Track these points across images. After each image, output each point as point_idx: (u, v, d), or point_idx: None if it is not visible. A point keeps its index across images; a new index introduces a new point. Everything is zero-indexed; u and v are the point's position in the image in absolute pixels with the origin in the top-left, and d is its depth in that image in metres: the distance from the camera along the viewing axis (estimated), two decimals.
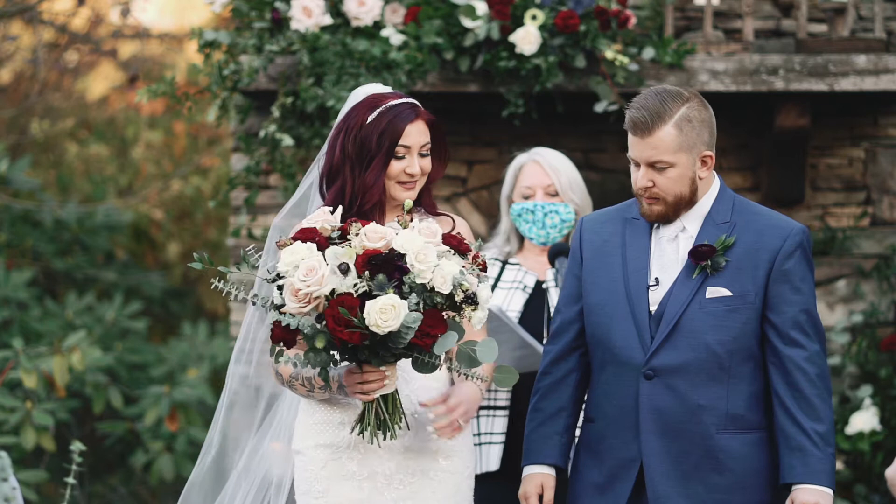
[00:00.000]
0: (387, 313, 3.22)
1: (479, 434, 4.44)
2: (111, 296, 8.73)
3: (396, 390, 3.45)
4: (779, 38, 6.48)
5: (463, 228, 3.76)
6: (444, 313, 3.30)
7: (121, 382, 7.83)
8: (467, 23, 5.82)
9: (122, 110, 10.68)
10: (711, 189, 3.66)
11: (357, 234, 3.32)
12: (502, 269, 4.58)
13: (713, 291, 3.55)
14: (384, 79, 5.74)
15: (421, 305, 3.27)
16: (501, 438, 4.42)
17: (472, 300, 3.29)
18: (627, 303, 3.61)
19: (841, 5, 6.10)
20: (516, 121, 5.95)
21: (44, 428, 6.36)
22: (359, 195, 3.62)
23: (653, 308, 3.59)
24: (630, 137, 3.60)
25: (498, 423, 4.44)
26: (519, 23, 5.79)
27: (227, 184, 6.14)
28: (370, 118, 3.63)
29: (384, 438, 3.44)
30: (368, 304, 3.21)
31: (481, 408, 4.46)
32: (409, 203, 3.47)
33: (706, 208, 3.64)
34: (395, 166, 3.64)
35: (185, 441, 7.60)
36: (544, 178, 4.53)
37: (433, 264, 3.28)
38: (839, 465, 6.07)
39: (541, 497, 3.72)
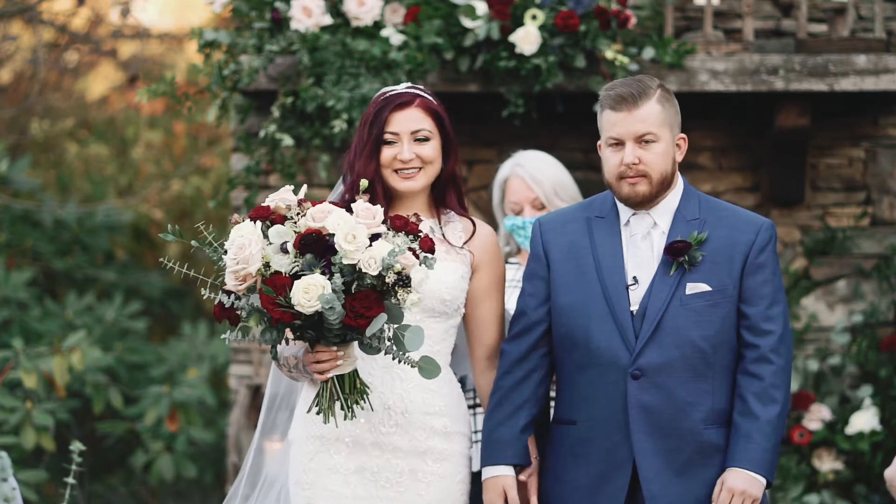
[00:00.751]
0: (310, 292, 3.21)
1: (474, 431, 4.44)
2: (111, 296, 8.73)
3: (356, 371, 3.42)
4: (779, 38, 6.48)
5: (487, 238, 3.73)
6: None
7: (121, 382, 7.83)
8: (467, 23, 5.82)
9: (122, 110, 10.68)
10: (677, 186, 3.69)
11: (304, 214, 3.31)
12: None
13: (693, 287, 3.57)
14: (384, 79, 5.74)
15: (353, 286, 3.26)
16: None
17: (404, 282, 3.27)
18: (606, 303, 3.60)
19: (841, 5, 6.10)
20: (516, 121, 5.95)
21: (44, 428, 6.36)
22: (355, 183, 3.63)
23: (634, 307, 3.60)
24: (611, 116, 3.61)
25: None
26: (519, 23, 5.79)
27: (227, 184, 6.13)
28: (373, 109, 3.67)
29: (345, 419, 3.42)
30: (295, 283, 3.22)
31: (477, 406, 4.47)
32: (364, 183, 3.45)
33: (674, 204, 3.67)
34: (387, 153, 3.64)
35: (185, 441, 7.60)
36: (528, 192, 4.53)
37: (363, 245, 3.26)
38: (839, 465, 6.07)
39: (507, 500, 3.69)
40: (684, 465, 3.56)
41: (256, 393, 6.43)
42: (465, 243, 3.72)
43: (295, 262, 3.26)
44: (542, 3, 5.80)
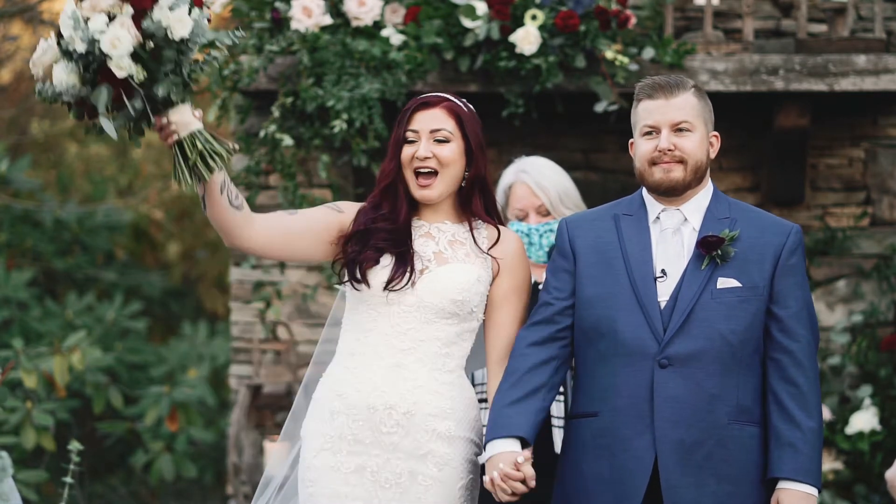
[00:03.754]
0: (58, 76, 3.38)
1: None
2: (111, 296, 8.73)
3: (199, 130, 3.47)
4: (779, 38, 6.48)
5: (511, 244, 3.72)
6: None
7: (121, 382, 7.83)
8: (467, 23, 5.82)
9: None
10: (707, 186, 3.71)
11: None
12: None
13: (724, 282, 3.57)
14: (384, 79, 5.75)
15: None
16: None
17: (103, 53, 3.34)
18: (634, 294, 3.60)
19: (841, 5, 6.10)
20: (516, 121, 5.95)
21: (44, 428, 6.36)
22: (379, 181, 3.69)
23: (663, 299, 3.59)
24: (648, 104, 3.63)
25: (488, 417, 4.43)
26: (519, 23, 5.79)
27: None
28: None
29: (189, 183, 3.52)
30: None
31: (482, 401, 4.47)
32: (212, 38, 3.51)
33: (704, 203, 3.68)
34: (406, 151, 3.66)
35: (185, 441, 7.60)
36: (534, 199, 4.51)
37: (71, 26, 3.35)
38: (839, 465, 6.08)
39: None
40: (704, 459, 3.55)
41: (256, 393, 6.43)
42: (489, 249, 3.70)
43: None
44: (542, 3, 5.80)
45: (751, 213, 3.69)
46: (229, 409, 7.31)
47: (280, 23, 5.94)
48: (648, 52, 5.90)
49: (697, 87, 3.67)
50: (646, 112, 3.64)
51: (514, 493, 3.50)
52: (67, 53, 3.36)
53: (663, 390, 3.55)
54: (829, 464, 6.07)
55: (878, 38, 6.08)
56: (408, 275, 3.58)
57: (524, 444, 3.57)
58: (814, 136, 6.30)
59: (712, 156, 3.69)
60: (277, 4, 5.94)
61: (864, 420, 6.03)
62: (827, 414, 6.10)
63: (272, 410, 6.57)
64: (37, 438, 6.33)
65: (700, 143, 3.63)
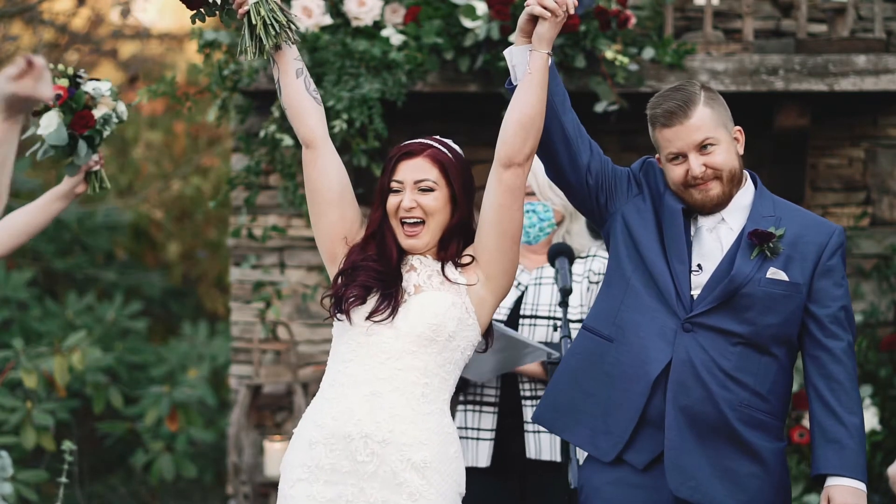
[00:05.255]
0: None
1: (466, 428, 4.44)
2: (111, 296, 8.73)
3: (265, 3, 3.64)
4: (779, 38, 6.48)
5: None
6: None
7: (121, 382, 7.84)
8: (467, 23, 5.83)
9: None
10: (748, 184, 3.71)
11: None
12: None
13: (773, 273, 3.59)
14: (384, 79, 5.75)
15: None
16: (491, 435, 4.41)
17: None
18: (671, 280, 3.61)
19: (841, 5, 6.10)
20: None
21: (44, 428, 6.36)
22: (367, 227, 3.71)
23: (695, 292, 3.61)
24: (666, 133, 3.63)
25: (486, 420, 4.42)
26: None
27: (227, 184, 6.14)
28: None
29: (256, 54, 3.65)
30: None
31: (469, 402, 4.46)
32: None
33: (746, 201, 3.68)
34: (391, 201, 3.67)
35: (185, 441, 7.60)
36: None
37: None
38: None
39: None
40: (709, 431, 3.57)
41: (256, 393, 6.43)
42: (462, 267, 3.68)
43: None
44: None
45: (795, 211, 3.70)
46: (229, 409, 7.31)
47: None
48: (648, 52, 5.90)
49: (706, 90, 3.65)
50: (666, 140, 3.64)
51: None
52: None
53: (682, 351, 3.57)
54: None
55: (878, 38, 6.08)
56: (390, 309, 3.58)
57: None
58: (814, 136, 6.30)
59: (741, 151, 3.69)
60: None
61: (865, 420, 6.03)
62: None
63: (272, 410, 6.57)
64: (37, 438, 6.33)
65: (728, 151, 3.64)
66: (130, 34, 9.72)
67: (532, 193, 4.50)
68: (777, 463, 3.63)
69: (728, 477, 3.58)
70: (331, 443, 3.54)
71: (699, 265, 3.63)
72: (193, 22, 3.77)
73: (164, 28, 10.64)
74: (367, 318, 3.57)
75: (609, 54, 5.78)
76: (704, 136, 3.61)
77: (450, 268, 3.67)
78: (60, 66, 4.30)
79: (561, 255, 4.37)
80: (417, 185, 3.65)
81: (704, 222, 3.68)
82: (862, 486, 3.56)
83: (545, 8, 3.54)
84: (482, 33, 5.80)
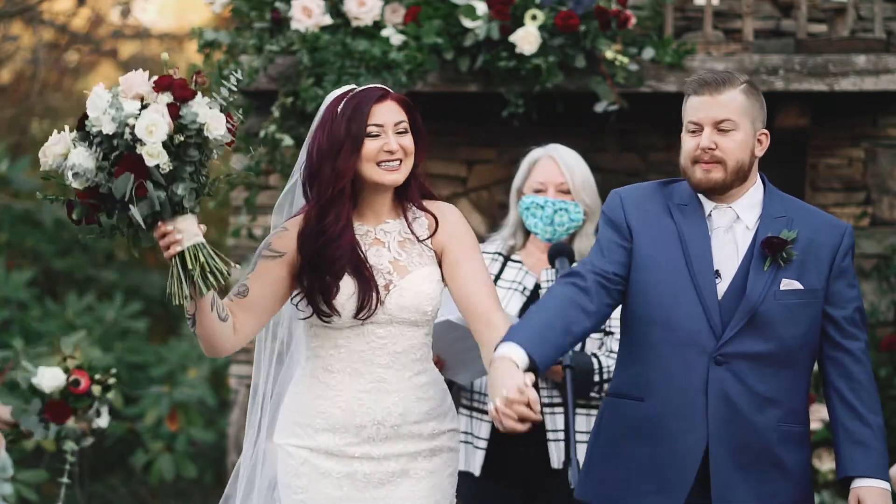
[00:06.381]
0: (74, 168, 3.32)
1: (464, 433, 4.43)
2: (111, 296, 8.73)
3: (202, 243, 3.39)
4: (779, 38, 6.48)
5: (448, 218, 3.67)
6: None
7: (121, 382, 7.83)
8: (467, 23, 5.83)
9: None
10: (758, 182, 3.68)
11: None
12: (503, 266, 4.54)
13: (787, 284, 3.55)
14: (384, 79, 5.75)
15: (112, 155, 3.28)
16: (485, 444, 4.38)
17: (134, 137, 3.24)
18: (693, 287, 3.56)
19: (841, 5, 6.10)
20: (516, 121, 5.95)
21: None
22: (328, 185, 3.55)
23: (721, 298, 3.56)
24: (694, 101, 3.58)
25: (483, 428, 4.39)
26: (519, 23, 5.79)
27: (226, 184, 6.13)
28: (339, 109, 3.62)
29: (190, 298, 3.39)
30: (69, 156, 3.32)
31: (465, 407, 4.45)
32: (165, 56, 3.47)
33: (757, 199, 3.65)
34: (371, 146, 3.57)
35: (185, 441, 7.60)
36: (558, 175, 4.48)
37: (101, 108, 3.28)
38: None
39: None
40: (753, 460, 3.55)
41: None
42: (429, 238, 3.66)
43: (70, 141, 3.35)
44: (542, 3, 5.80)
45: (804, 211, 3.67)
46: (229, 409, 7.31)
47: (280, 23, 5.94)
48: (648, 52, 5.90)
49: (750, 84, 3.61)
50: (692, 108, 3.59)
51: (521, 419, 3.25)
52: (87, 137, 3.28)
53: (717, 387, 3.53)
54: (830, 464, 6.07)
55: (878, 38, 6.08)
56: (374, 297, 3.54)
57: (531, 366, 3.38)
58: (814, 136, 6.30)
59: (759, 154, 3.63)
60: (277, 4, 5.94)
61: None
62: (827, 414, 6.09)
63: None
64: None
65: (742, 142, 3.57)
66: (130, 34, 9.73)
67: (567, 192, 4.47)
68: (804, 471, 3.62)
69: (767, 501, 3.57)
70: (340, 431, 3.58)
71: (717, 271, 3.59)
72: (83, 236, 3.46)
73: (163, 28, 10.65)
74: (356, 316, 3.54)
75: (609, 54, 5.78)
76: (726, 116, 3.55)
77: (418, 227, 3.65)
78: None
79: (561, 255, 4.35)
80: (396, 126, 3.59)
81: (719, 222, 3.62)
82: (888, 486, 3.55)
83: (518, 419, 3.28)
84: (482, 33, 5.80)
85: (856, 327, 3.59)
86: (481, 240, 5.12)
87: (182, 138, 3.27)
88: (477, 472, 4.37)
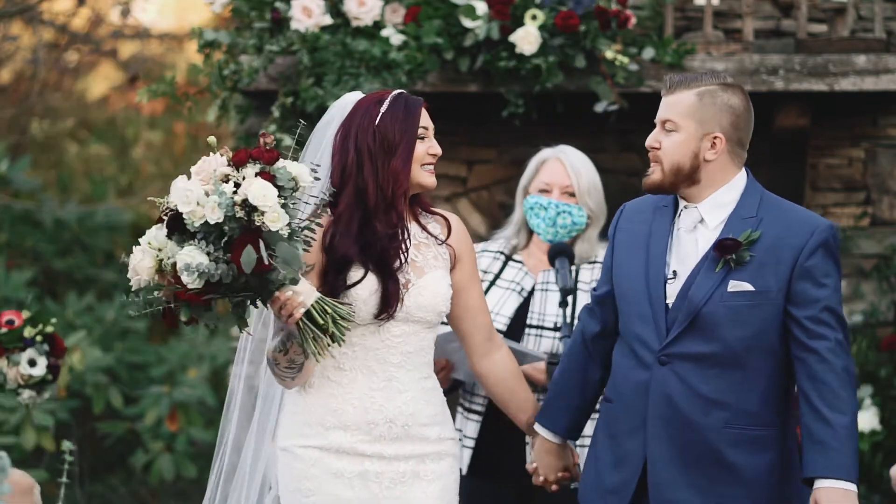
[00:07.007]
0: (188, 270, 3.21)
1: (466, 436, 4.43)
2: (111, 296, 8.73)
3: (320, 298, 3.38)
4: (779, 38, 6.48)
5: (459, 227, 3.76)
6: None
7: (121, 382, 7.84)
8: (467, 23, 5.83)
9: (122, 110, 10.69)
10: (736, 182, 3.63)
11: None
12: (504, 265, 4.54)
13: (735, 285, 3.52)
14: (384, 79, 5.75)
15: (223, 240, 3.24)
16: (472, 443, 4.38)
17: (250, 209, 3.21)
18: (646, 291, 3.60)
19: (841, 5, 6.10)
20: (516, 121, 5.95)
21: (44, 428, 6.37)
22: (387, 187, 3.57)
23: (669, 301, 3.58)
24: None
25: (470, 427, 4.39)
26: (519, 23, 5.79)
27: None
28: (383, 110, 3.62)
29: (337, 345, 3.40)
30: (177, 265, 3.24)
31: (472, 410, 4.45)
32: (212, 140, 3.44)
33: (731, 200, 3.61)
34: (419, 149, 3.62)
35: (185, 441, 7.60)
36: (564, 177, 4.48)
37: (199, 201, 3.24)
38: None
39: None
40: (695, 460, 3.55)
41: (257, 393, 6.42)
42: (447, 239, 3.72)
43: (169, 246, 3.27)
44: (542, 3, 5.80)
45: (781, 211, 3.61)
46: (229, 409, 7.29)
47: (280, 23, 5.94)
48: (648, 52, 5.90)
49: (725, 87, 3.59)
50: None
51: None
52: (187, 234, 3.22)
53: (659, 388, 3.56)
54: None
55: (878, 38, 6.08)
56: (399, 300, 3.57)
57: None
58: (814, 136, 6.30)
59: (709, 157, 3.59)
60: (277, 4, 5.93)
61: (865, 420, 6.03)
62: None
63: None
64: (37, 438, 6.34)
65: (682, 145, 3.57)
66: (130, 34, 9.73)
67: (572, 194, 4.47)
68: (767, 474, 3.56)
69: (722, 503, 3.55)
70: (351, 429, 3.58)
71: (674, 271, 3.60)
72: (181, 322, 3.39)
73: (163, 28, 10.65)
74: (378, 315, 3.56)
75: (609, 54, 5.78)
76: (668, 117, 3.59)
77: (434, 227, 3.71)
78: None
79: (561, 254, 4.36)
80: (431, 131, 3.69)
81: (683, 223, 3.63)
82: (851, 486, 3.47)
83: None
84: (482, 33, 5.80)
85: (824, 327, 3.51)
86: (482, 240, 5.14)
87: (285, 198, 3.27)
88: (464, 470, 4.37)
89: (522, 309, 4.43)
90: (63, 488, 4.53)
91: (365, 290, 3.55)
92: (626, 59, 5.79)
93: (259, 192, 3.23)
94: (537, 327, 4.39)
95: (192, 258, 3.20)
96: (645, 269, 3.62)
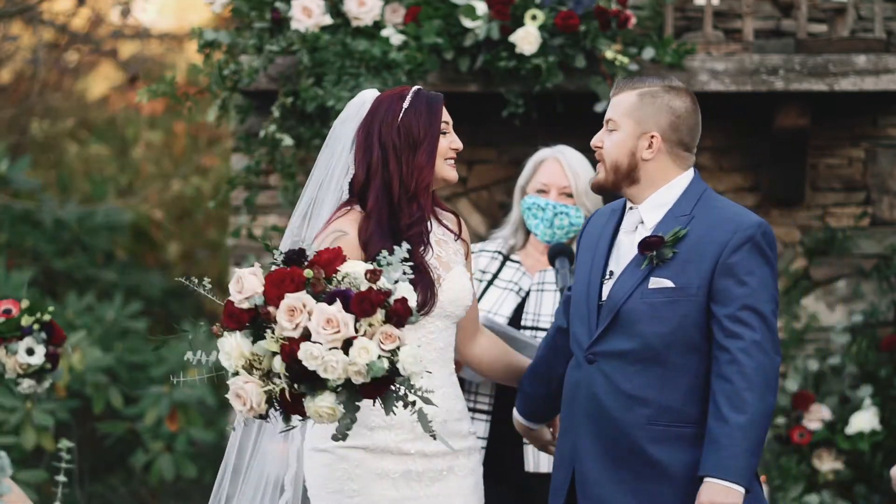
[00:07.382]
0: (324, 415, 3.08)
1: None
2: (111, 296, 8.73)
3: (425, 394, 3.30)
4: (779, 38, 6.48)
5: (463, 224, 3.81)
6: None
7: (121, 382, 7.83)
8: (467, 23, 5.83)
9: (122, 110, 10.69)
10: (677, 183, 3.64)
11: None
12: (502, 265, 4.54)
13: (656, 282, 3.54)
14: (384, 79, 5.75)
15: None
16: (483, 443, 4.36)
17: (394, 365, 3.05)
18: (586, 292, 3.66)
19: (841, 5, 6.10)
20: (516, 121, 5.95)
21: (44, 428, 6.36)
22: (410, 181, 3.58)
23: (603, 301, 3.63)
24: None
25: (479, 427, 4.37)
26: (519, 23, 5.79)
27: (227, 184, 6.14)
28: (405, 105, 3.63)
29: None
30: (307, 405, 3.07)
31: (478, 410, 4.44)
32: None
33: (668, 200, 3.63)
34: (442, 143, 3.65)
35: (185, 441, 7.60)
36: (562, 178, 4.48)
37: (335, 364, 3.02)
38: (839, 465, 6.07)
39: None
40: (622, 456, 3.56)
41: None
42: (460, 233, 3.78)
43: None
44: (542, 3, 5.80)
45: (714, 210, 3.60)
46: (229, 408, 7.30)
47: (280, 23, 5.94)
48: (648, 52, 5.90)
49: (670, 89, 3.64)
50: None
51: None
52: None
53: (586, 386, 3.61)
54: (829, 464, 6.07)
55: (878, 38, 6.08)
56: (434, 291, 3.60)
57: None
58: (814, 136, 6.30)
59: (646, 156, 3.61)
60: (277, 4, 5.93)
61: (865, 420, 6.03)
62: (827, 414, 6.10)
63: None
64: (37, 438, 6.33)
65: (621, 143, 3.62)
66: (130, 34, 9.73)
67: (570, 195, 4.47)
68: (694, 472, 3.51)
69: (650, 500, 3.55)
70: (396, 427, 3.58)
71: (611, 272, 3.64)
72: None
73: (163, 28, 10.65)
74: (420, 310, 3.50)
75: (609, 54, 5.78)
76: (610, 116, 3.66)
77: (450, 222, 3.75)
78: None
79: (561, 255, 4.36)
80: (451, 126, 3.72)
81: (626, 224, 3.67)
82: (737, 487, 3.43)
83: None
84: (482, 33, 5.80)
85: (741, 325, 3.48)
86: (482, 240, 5.15)
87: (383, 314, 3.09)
88: None
89: (520, 309, 4.44)
90: (61, 488, 4.53)
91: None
92: (626, 60, 5.79)
93: (412, 359, 3.06)
94: (532, 328, 4.40)
95: (325, 402, 3.05)
96: (589, 270, 3.67)
